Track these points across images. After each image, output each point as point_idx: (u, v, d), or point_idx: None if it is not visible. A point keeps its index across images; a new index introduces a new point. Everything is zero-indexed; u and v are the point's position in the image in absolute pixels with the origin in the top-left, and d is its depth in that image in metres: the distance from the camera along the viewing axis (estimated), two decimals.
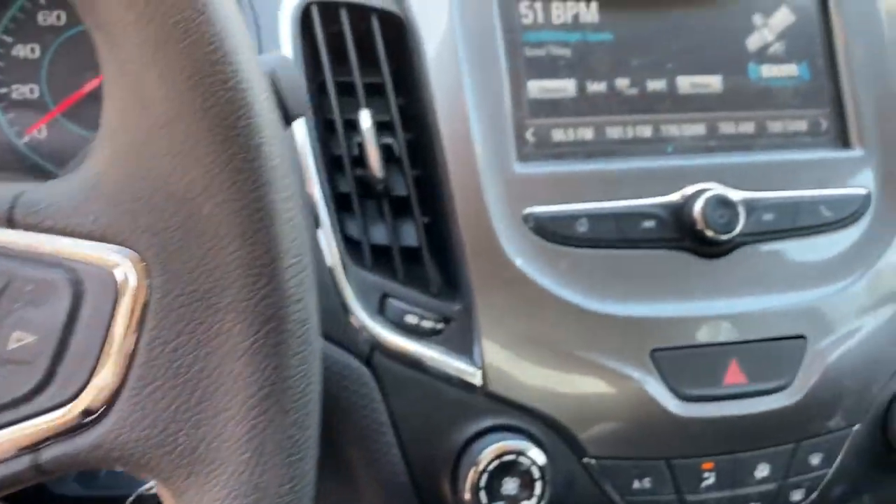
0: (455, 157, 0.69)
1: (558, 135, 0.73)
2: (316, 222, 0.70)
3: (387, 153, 0.71)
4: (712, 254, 0.72)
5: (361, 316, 0.69)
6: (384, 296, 0.70)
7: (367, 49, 0.75)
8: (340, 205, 0.72)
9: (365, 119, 0.70)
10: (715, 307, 0.71)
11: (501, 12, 0.73)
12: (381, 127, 0.73)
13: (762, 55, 0.78)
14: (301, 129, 0.71)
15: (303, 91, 0.52)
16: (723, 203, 0.70)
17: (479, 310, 0.68)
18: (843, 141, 0.78)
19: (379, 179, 0.70)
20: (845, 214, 0.75)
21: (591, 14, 0.76)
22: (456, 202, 0.69)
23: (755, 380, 0.71)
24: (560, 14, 0.75)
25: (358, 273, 0.70)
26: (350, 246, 0.72)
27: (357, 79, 0.73)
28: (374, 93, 0.73)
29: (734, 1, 0.78)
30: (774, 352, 0.71)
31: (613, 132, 0.74)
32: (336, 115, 0.73)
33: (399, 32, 0.74)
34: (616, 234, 0.71)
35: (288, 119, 0.50)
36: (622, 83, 0.75)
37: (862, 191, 0.76)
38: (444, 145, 0.69)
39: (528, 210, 0.70)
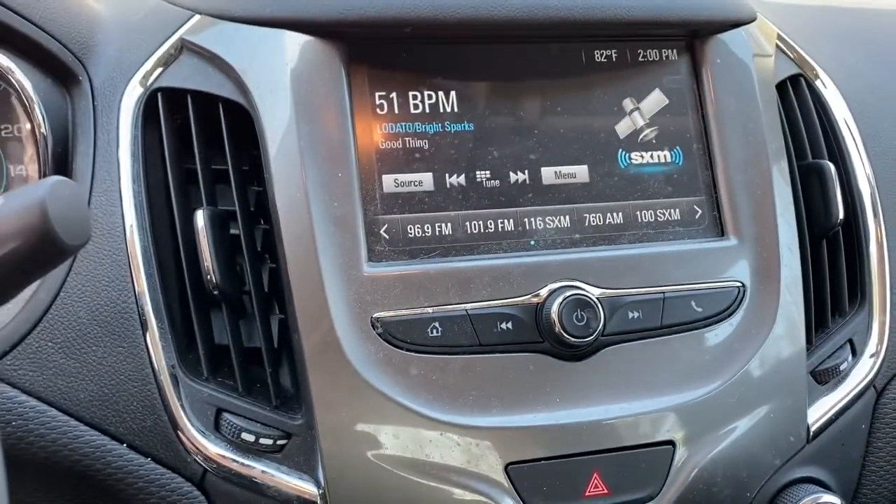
0: (296, 256, 0.65)
1: (414, 231, 0.69)
2: (143, 327, 0.65)
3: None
4: (573, 356, 0.68)
5: (193, 434, 0.64)
6: (220, 410, 0.65)
7: (219, 138, 0.71)
8: (183, 306, 0.68)
9: (200, 217, 0.66)
10: (576, 414, 0.67)
11: (353, 102, 0.70)
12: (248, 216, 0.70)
13: (633, 141, 0.76)
14: (132, 223, 0.67)
15: (83, 215, 0.48)
16: (581, 303, 0.67)
17: (320, 424, 0.64)
18: (718, 230, 0.75)
19: (215, 281, 0.65)
20: (718, 310, 0.72)
21: (450, 104, 0.72)
22: (296, 305, 0.65)
23: (619, 491, 0.67)
24: (418, 104, 0.72)
25: (191, 386, 0.65)
26: (186, 353, 0.67)
27: (200, 170, 0.69)
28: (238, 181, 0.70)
29: (604, 84, 0.76)
30: (640, 460, 0.68)
31: (473, 227, 0.71)
32: (175, 209, 0.69)
33: (248, 122, 0.70)
34: (471, 338, 0.67)
35: (64, 249, 0.46)
36: (483, 175, 0.72)
37: (736, 283, 0.73)
38: (283, 244, 0.65)
39: (377, 314, 0.66)
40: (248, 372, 0.68)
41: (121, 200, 0.68)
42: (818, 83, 0.87)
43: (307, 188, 0.66)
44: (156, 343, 0.65)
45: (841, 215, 0.79)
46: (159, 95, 0.72)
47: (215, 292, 0.65)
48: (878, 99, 0.91)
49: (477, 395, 0.66)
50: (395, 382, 0.65)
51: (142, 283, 0.66)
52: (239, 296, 0.69)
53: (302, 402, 0.66)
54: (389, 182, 0.70)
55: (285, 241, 0.65)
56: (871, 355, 0.79)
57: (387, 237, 0.69)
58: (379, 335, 0.65)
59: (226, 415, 0.65)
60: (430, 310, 0.66)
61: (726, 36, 0.78)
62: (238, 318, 0.70)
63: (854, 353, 0.79)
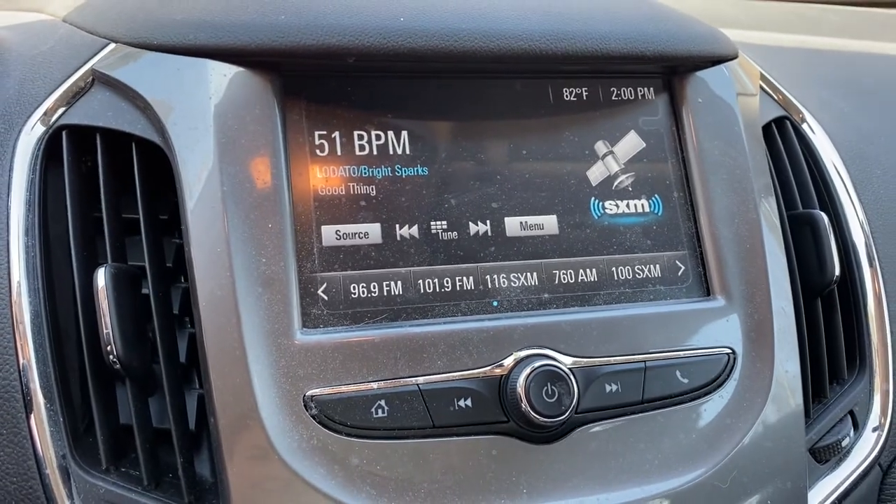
0: (214, 321, 0.55)
1: (358, 291, 0.60)
2: (27, 407, 0.54)
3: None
4: (543, 438, 0.59)
5: None
6: None
7: (131, 183, 0.61)
8: (83, 381, 0.57)
9: (101, 275, 0.56)
10: None
11: (288, 142, 0.60)
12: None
13: (607, 189, 0.67)
14: (20, 281, 0.57)
15: None
16: (551, 376, 0.57)
17: None
18: (703, 289, 0.67)
19: (116, 351, 0.55)
20: (706, 380, 0.63)
21: (401, 145, 0.64)
22: (212, 380, 0.54)
23: None
24: (364, 145, 0.63)
25: (85, 480, 0.54)
26: (84, 438, 0.56)
27: (106, 219, 0.59)
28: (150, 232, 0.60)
29: (573, 125, 0.67)
30: None
31: (427, 286, 0.61)
32: (75, 266, 0.58)
33: (168, 165, 0.60)
34: (423, 418, 0.57)
35: None
36: (439, 226, 0.63)
37: (725, 350, 0.64)
38: (199, 307, 0.55)
39: (311, 392, 0.55)
40: (157, 459, 0.57)
41: (8, 255, 0.57)
42: (805, 127, 0.80)
43: (229, 241, 0.56)
44: (42, 427, 0.54)
45: (837, 271, 0.71)
46: (64, 134, 0.62)
47: (116, 365, 0.55)
48: (867, 145, 0.84)
49: (429, 487, 0.56)
50: (332, 475, 0.54)
51: (28, 354, 0.55)
52: (149, 368, 0.58)
53: (220, 498, 0.55)
54: (330, 234, 0.60)
55: (201, 302, 0.55)
56: (875, 429, 0.71)
57: (325, 298, 0.59)
58: (313, 417, 0.55)
59: None
60: (374, 385, 0.56)
61: (707, 73, 0.71)
62: (148, 395, 0.59)
63: (856, 426, 0.71)
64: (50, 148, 0.62)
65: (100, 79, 0.63)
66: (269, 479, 0.53)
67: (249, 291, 0.56)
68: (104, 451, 0.55)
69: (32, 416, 0.54)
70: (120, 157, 0.62)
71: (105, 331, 0.55)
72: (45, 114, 0.63)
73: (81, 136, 0.62)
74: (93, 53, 0.65)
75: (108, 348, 0.54)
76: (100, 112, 0.62)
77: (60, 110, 0.63)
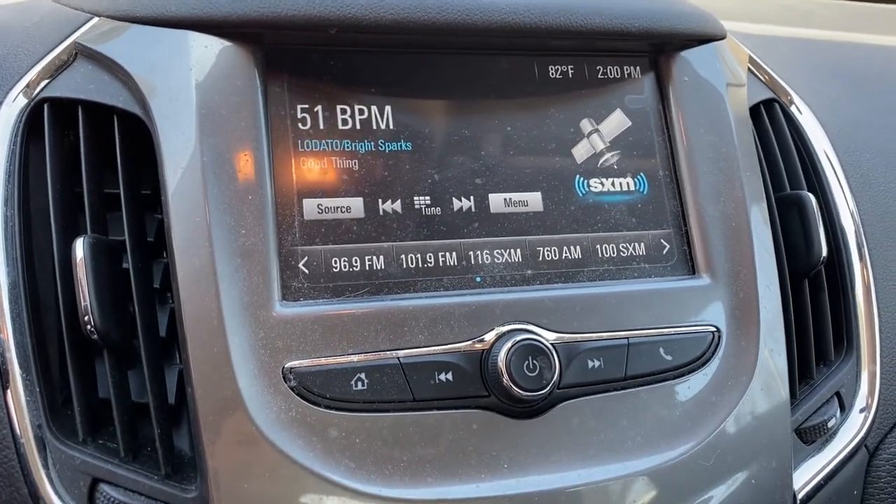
0: (192, 293, 0.54)
1: (340, 265, 0.59)
2: (2, 378, 0.54)
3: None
4: (524, 413, 0.58)
5: None
6: (96, 481, 0.53)
7: (114, 158, 0.61)
8: (61, 352, 0.57)
9: (79, 246, 0.55)
10: (527, 482, 0.57)
11: (270, 115, 0.60)
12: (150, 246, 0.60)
13: (592, 167, 0.67)
14: None
15: None
16: (533, 350, 0.57)
17: (216, 498, 0.52)
18: (688, 267, 0.66)
19: (93, 322, 0.54)
20: (690, 358, 0.63)
21: (385, 120, 0.63)
22: (190, 352, 0.54)
23: None
24: (347, 119, 0.62)
25: (62, 451, 0.54)
26: (62, 410, 0.56)
27: (87, 191, 0.59)
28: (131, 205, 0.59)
29: (559, 103, 0.67)
30: None
31: (410, 261, 0.61)
32: (54, 238, 0.58)
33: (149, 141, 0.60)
34: (403, 391, 0.56)
35: None
36: (422, 201, 0.62)
37: (710, 328, 0.64)
38: (178, 279, 0.55)
39: (290, 364, 0.55)
40: (135, 432, 0.56)
41: None
42: (793, 109, 0.80)
43: (209, 213, 0.56)
44: (18, 398, 0.54)
45: (824, 252, 0.70)
46: (45, 106, 0.61)
47: (94, 336, 0.54)
48: (856, 130, 0.84)
49: (409, 460, 0.55)
50: (310, 447, 0.54)
51: (5, 324, 0.55)
52: (129, 342, 0.58)
53: (198, 470, 0.55)
54: (311, 207, 0.60)
55: (180, 275, 0.55)
56: (862, 410, 0.71)
57: (306, 272, 0.58)
58: (291, 389, 0.54)
59: (102, 486, 0.53)
60: (354, 358, 0.56)
61: (694, 53, 0.70)
62: (128, 368, 0.59)
63: (842, 407, 0.70)
64: (32, 121, 0.62)
65: (83, 52, 0.63)
66: (246, 451, 0.53)
67: (229, 263, 0.55)
68: (81, 423, 0.55)
69: (8, 387, 0.54)
70: (103, 132, 0.62)
71: (83, 301, 0.54)
72: (27, 86, 0.62)
73: (64, 109, 0.62)
74: (76, 27, 0.65)
75: (86, 318, 0.54)
76: (82, 85, 0.62)
77: (43, 83, 0.63)
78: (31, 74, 0.63)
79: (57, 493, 0.53)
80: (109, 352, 0.56)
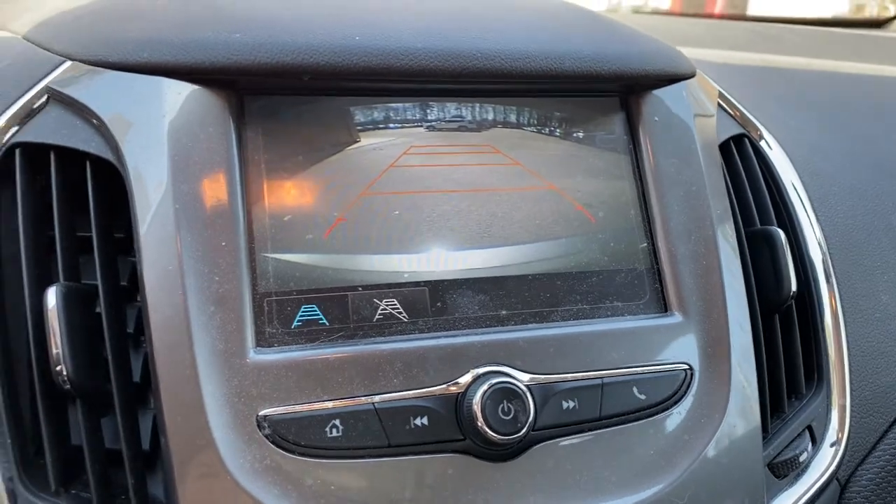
0: (165, 340, 0.54)
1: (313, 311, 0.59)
2: None
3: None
4: (500, 456, 0.58)
5: None
6: None
7: (86, 202, 0.61)
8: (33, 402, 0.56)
9: (51, 294, 0.55)
10: None
11: (243, 161, 0.60)
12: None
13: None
14: None
15: None
16: (507, 393, 0.57)
17: None
18: (660, 305, 0.67)
19: (66, 372, 0.54)
20: (663, 396, 0.63)
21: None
22: (163, 399, 0.54)
23: None
24: (322, 164, 0.63)
25: (33, 503, 0.53)
26: (37, 460, 0.55)
27: (59, 237, 0.59)
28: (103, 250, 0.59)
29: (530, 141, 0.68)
30: None
31: (384, 305, 0.61)
32: (26, 285, 0.57)
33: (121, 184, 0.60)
34: (379, 437, 0.56)
35: None
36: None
37: (682, 366, 0.65)
38: (150, 325, 0.54)
39: (265, 411, 0.55)
40: (108, 481, 0.56)
41: None
42: (763, 144, 0.81)
43: (181, 258, 0.56)
44: None
45: (794, 288, 0.72)
46: (17, 152, 0.61)
47: (67, 386, 0.54)
48: (824, 161, 0.86)
49: None
50: (286, 495, 0.54)
51: None
52: (102, 388, 0.58)
53: None
54: (286, 254, 0.60)
55: (152, 321, 0.55)
56: (832, 444, 0.72)
57: (280, 318, 0.59)
58: (266, 437, 0.54)
59: None
60: (329, 404, 0.56)
61: (664, 92, 0.71)
62: (101, 416, 0.58)
63: (814, 441, 0.71)
64: (3, 167, 0.61)
65: (55, 97, 0.63)
66: (221, 500, 0.53)
67: (202, 310, 0.55)
68: (53, 474, 0.54)
69: None
70: (75, 176, 0.61)
71: (55, 350, 0.54)
72: None
73: (36, 154, 0.62)
74: (49, 71, 0.65)
75: (59, 368, 0.54)
76: (54, 130, 0.62)
77: (14, 129, 0.62)
78: (2, 120, 0.62)
79: None
80: (82, 400, 0.55)
